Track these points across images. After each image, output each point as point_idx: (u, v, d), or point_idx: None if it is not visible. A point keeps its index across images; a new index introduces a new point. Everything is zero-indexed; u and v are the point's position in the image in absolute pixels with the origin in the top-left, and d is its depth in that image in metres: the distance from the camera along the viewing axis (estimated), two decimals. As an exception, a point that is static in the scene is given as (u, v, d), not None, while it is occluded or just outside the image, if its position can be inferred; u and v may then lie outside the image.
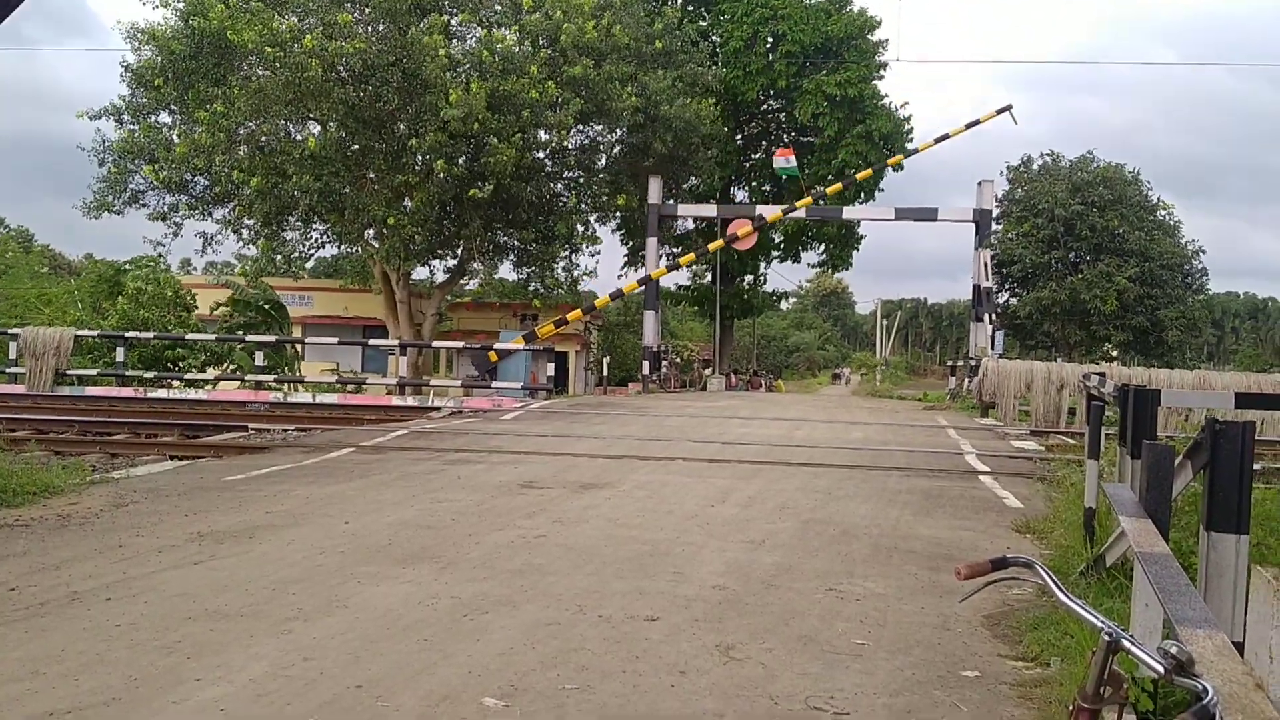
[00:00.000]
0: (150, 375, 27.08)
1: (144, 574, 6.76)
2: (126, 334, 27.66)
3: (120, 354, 26.56)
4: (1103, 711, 2.45)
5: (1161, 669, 2.15)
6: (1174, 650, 2.14)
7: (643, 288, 34.88)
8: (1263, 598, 2.43)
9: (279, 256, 34.70)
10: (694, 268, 46.78)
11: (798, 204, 36.04)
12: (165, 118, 34.02)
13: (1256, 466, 8.25)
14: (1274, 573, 2.46)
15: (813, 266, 48.63)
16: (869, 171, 38.72)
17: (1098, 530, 7.38)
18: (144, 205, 34.02)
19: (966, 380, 30.24)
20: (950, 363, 39.95)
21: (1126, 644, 2.29)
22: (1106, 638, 2.32)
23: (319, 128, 31.59)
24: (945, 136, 35.45)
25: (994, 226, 39.55)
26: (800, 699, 4.75)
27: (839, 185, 36.95)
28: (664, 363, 37.24)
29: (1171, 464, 4.72)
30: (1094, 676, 2.36)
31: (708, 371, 44.18)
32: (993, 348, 31.74)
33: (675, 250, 45.16)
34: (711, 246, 35.99)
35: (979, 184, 35.91)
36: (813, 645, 5.56)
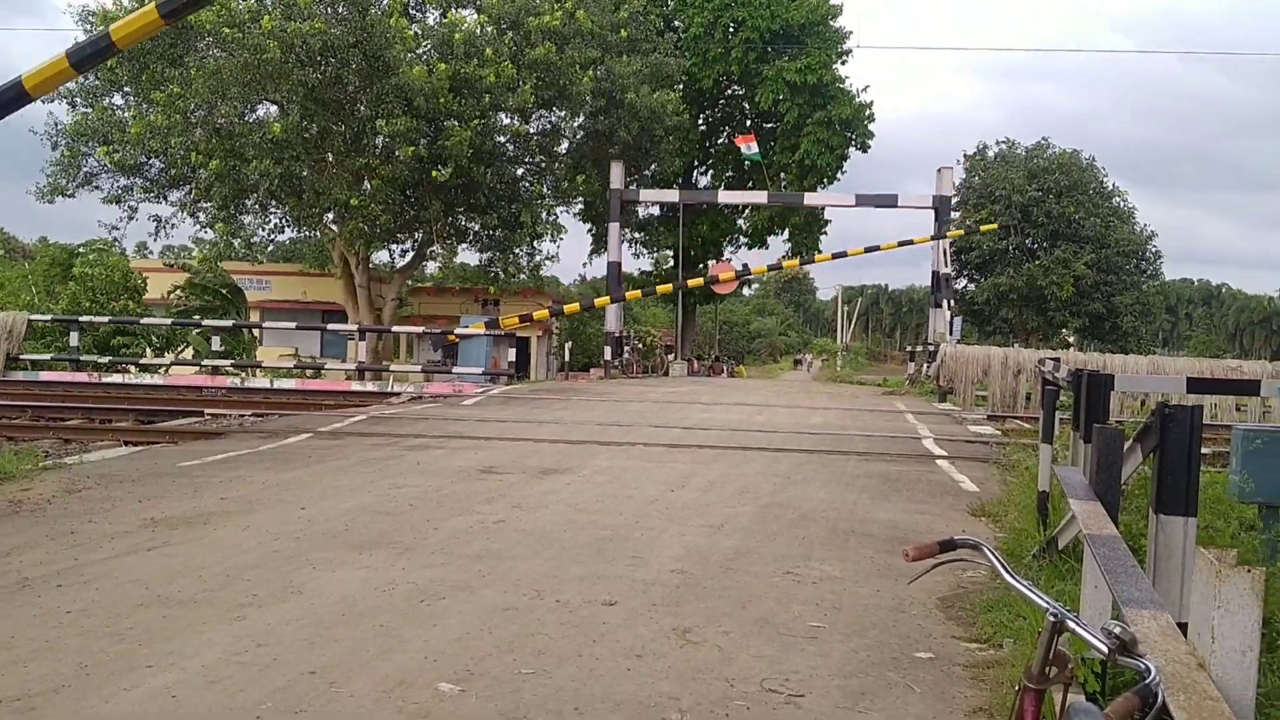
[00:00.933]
0: (105, 360, 26.73)
1: (96, 560, 6.68)
2: (81, 318, 27.27)
3: (74, 338, 26.18)
4: (1049, 691, 2.48)
5: (1105, 649, 2.18)
6: (1118, 630, 2.17)
7: (615, 303, 34.91)
8: (1205, 579, 2.47)
9: (237, 240, 34.30)
10: (657, 253, 46.85)
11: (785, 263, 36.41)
12: (119, 100, 33.48)
13: (1206, 450, 8.38)
14: (1216, 554, 2.49)
15: (784, 258, 48.64)
16: None
17: (1051, 513, 7.47)
18: (98, 188, 33.51)
19: (925, 366, 30.50)
20: (910, 348, 40.28)
21: (1071, 624, 2.32)
22: (1052, 618, 2.35)
23: (279, 111, 31.20)
24: (875, 248, 35.32)
25: (952, 214, 39.83)
26: (756, 681, 4.77)
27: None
28: (626, 348, 37.28)
29: (1121, 447, 4.79)
30: (1040, 656, 2.39)
31: (670, 357, 44.27)
32: (951, 333, 32.00)
33: (638, 235, 45.19)
34: (691, 283, 36.47)
35: (938, 171, 36.17)
36: (769, 628, 5.59)
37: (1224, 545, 3.98)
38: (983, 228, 45.69)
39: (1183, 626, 2.85)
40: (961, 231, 45.61)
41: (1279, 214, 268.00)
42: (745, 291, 74.00)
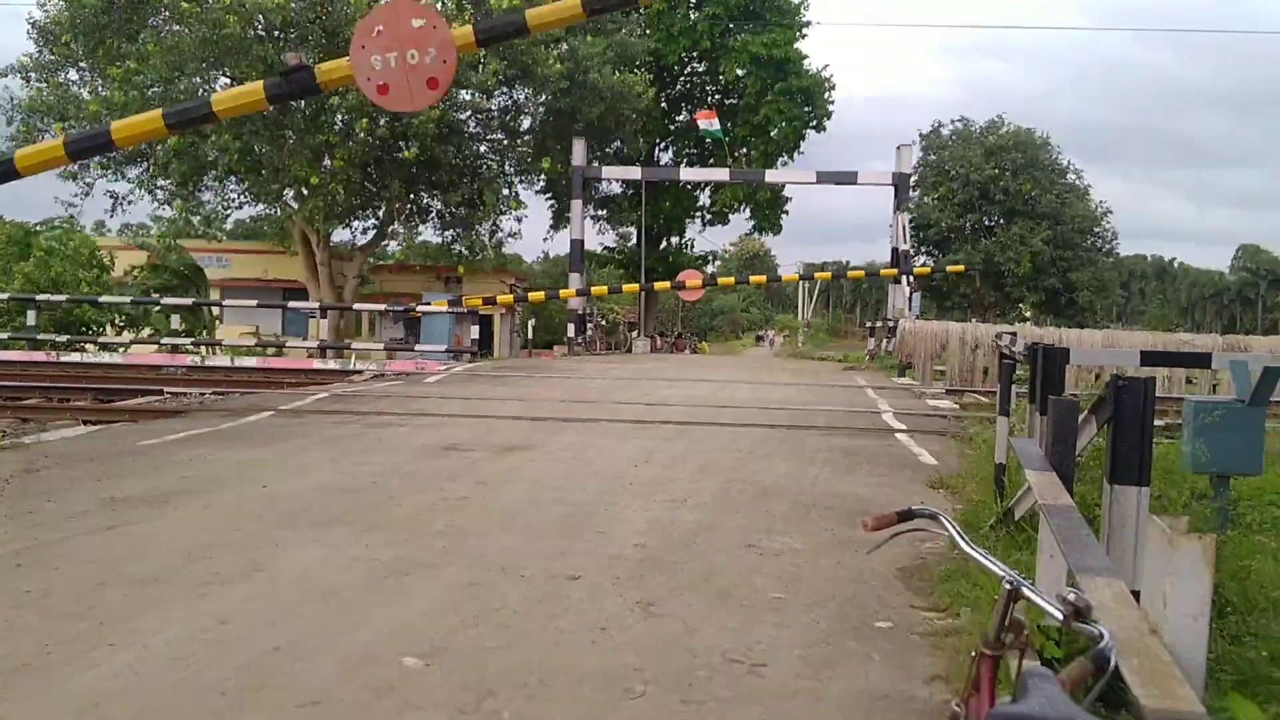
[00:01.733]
0: (63, 339, 26.36)
1: (56, 540, 6.62)
2: (38, 296, 26.85)
3: (31, 317, 25.79)
4: (1005, 657, 2.53)
5: (1060, 615, 2.23)
6: (1072, 597, 2.22)
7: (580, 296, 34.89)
8: (1157, 546, 2.53)
9: (196, 218, 33.87)
10: (620, 230, 46.81)
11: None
12: (75, 75, 32.88)
13: (1159, 422, 8.52)
14: (1168, 521, 2.55)
15: (745, 235, 49.18)
16: None
17: (1008, 485, 7.57)
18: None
19: (885, 341, 30.71)
20: (870, 324, 40.51)
21: (1027, 591, 2.37)
22: (1008, 586, 2.39)
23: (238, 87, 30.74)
24: (842, 274, 35.93)
25: (911, 192, 40.11)
26: (719, 652, 4.83)
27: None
28: (590, 325, 37.24)
29: (1076, 419, 4.86)
30: (996, 623, 2.44)
31: (633, 334, 44.32)
32: (910, 309, 32.22)
33: (600, 213, 45.09)
34: (658, 286, 36.74)
35: (898, 148, 36.33)
36: (731, 600, 5.65)
37: (1176, 514, 4.07)
38: (949, 269, 46.45)
39: (1136, 595, 2.91)
40: (928, 270, 46.50)
41: (1227, 190, 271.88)
42: (708, 269, 74.03)
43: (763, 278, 50.12)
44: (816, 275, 40.47)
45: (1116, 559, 4.19)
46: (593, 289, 36.51)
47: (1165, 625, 2.49)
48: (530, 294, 35.09)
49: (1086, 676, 2.10)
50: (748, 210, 44.96)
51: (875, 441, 12.39)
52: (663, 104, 43.82)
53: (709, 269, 72.37)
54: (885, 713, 4.22)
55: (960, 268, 47.50)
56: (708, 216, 46.40)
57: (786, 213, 45.43)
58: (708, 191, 45.23)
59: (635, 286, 38.91)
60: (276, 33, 28.56)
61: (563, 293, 34.57)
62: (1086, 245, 53.76)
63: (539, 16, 9.51)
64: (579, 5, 9.18)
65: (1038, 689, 2.03)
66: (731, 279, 46.27)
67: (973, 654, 2.50)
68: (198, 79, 30.00)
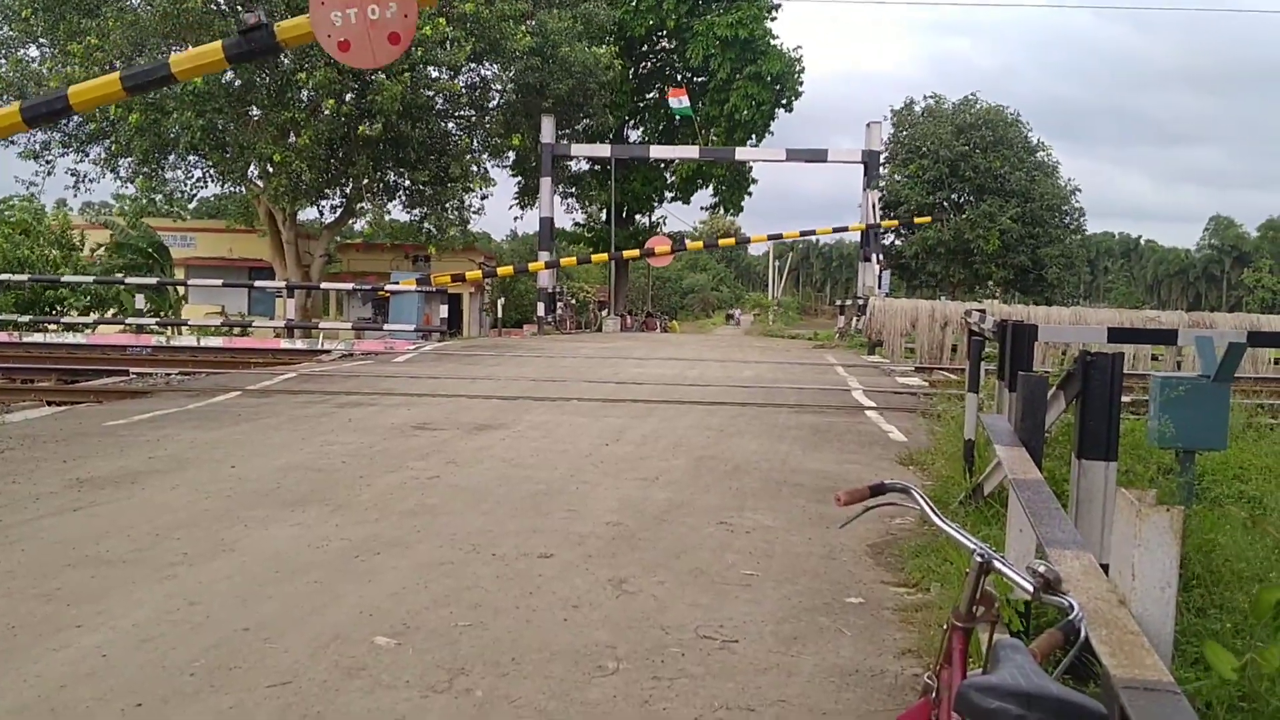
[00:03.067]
0: (26, 319, 26.03)
1: (21, 521, 6.54)
2: (0, 276, 26.49)
3: (-9, 297, 25.46)
4: (976, 630, 2.55)
5: (1030, 587, 2.24)
6: (1042, 570, 2.23)
7: (549, 269, 34.76)
8: (1125, 518, 2.55)
9: (159, 196, 33.46)
10: (589, 208, 46.67)
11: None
12: (35, 52, 32.35)
13: (1126, 398, 8.60)
14: (1136, 494, 2.57)
15: (705, 209, 49.33)
16: None
17: (977, 461, 7.63)
18: (13, 142, 32.40)
19: (855, 319, 30.83)
20: (839, 302, 40.68)
21: (997, 564, 2.38)
22: (978, 559, 2.40)
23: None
24: (810, 232, 36.52)
25: (881, 169, 40.22)
26: (691, 629, 4.84)
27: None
28: (559, 304, 37.14)
29: (1045, 395, 4.90)
30: (967, 596, 2.45)
31: (603, 313, 44.27)
32: (880, 287, 32.35)
33: (570, 191, 44.91)
34: (627, 254, 36.78)
35: (868, 125, 36.37)
36: (703, 577, 5.66)
37: (1143, 488, 4.10)
38: (917, 219, 46.64)
39: (1104, 568, 2.94)
40: (895, 223, 46.88)
41: (1190, 168, 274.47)
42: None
43: (731, 240, 50.16)
44: (785, 234, 40.40)
45: (1085, 533, 4.22)
46: (562, 260, 36.36)
47: (1134, 596, 2.51)
48: (500, 269, 34.95)
49: (1057, 647, 2.12)
50: (711, 186, 44.93)
51: (845, 419, 12.45)
52: (633, 79, 43.65)
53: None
54: (856, 687, 4.25)
55: (927, 219, 47.75)
56: (672, 194, 46.28)
57: (750, 194, 45.46)
58: (673, 168, 45.14)
59: (604, 256, 38.84)
60: (238, 6, 28.16)
61: (532, 266, 34.46)
62: (1055, 223, 54.09)
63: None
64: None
65: (1009, 660, 2.04)
66: (700, 243, 46.32)
67: (944, 627, 2.51)
68: (159, 55, 29.54)
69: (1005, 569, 2.36)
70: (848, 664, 4.49)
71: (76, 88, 9.43)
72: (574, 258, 39.50)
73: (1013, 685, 1.92)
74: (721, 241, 49.87)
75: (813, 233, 37.67)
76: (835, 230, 35.24)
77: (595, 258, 39.61)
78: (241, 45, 8.37)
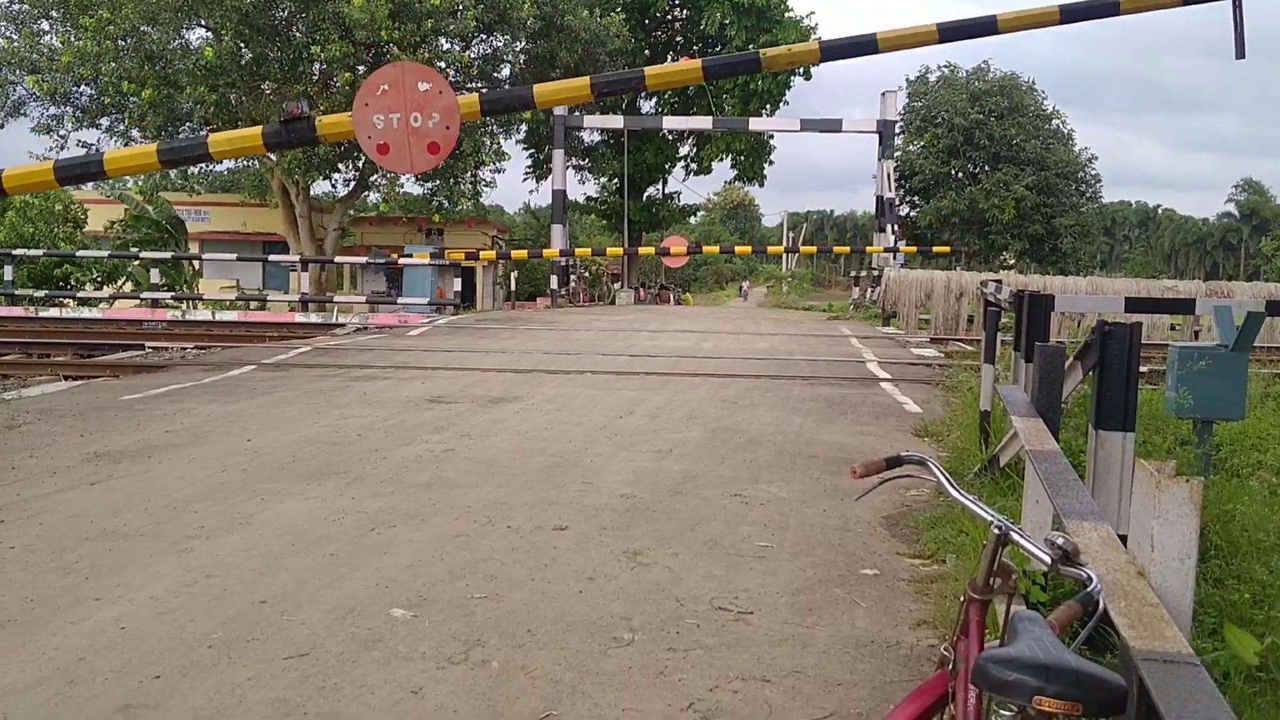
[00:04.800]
0: (41, 294, 26.11)
1: (38, 495, 6.58)
2: (14, 251, 26.56)
3: (8, 272, 25.52)
4: (992, 602, 2.53)
5: (1048, 559, 2.23)
6: (1060, 541, 2.21)
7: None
8: (1144, 489, 2.52)
9: (173, 171, 33.43)
10: (602, 179, 46.49)
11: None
12: (47, 26, 32.25)
13: (1143, 369, 8.55)
14: (1155, 465, 2.55)
15: (727, 183, 49.32)
16: None
17: (992, 432, 7.60)
18: (26, 116, 32.42)
19: (869, 290, 30.71)
20: (854, 274, 40.51)
21: (1015, 536, 2.36)
22: (996, 531, 2.38)
23: (213, 36, 30.25)
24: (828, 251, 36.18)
25: (896, 139, 39.94)
26: (706, 600, 4.84)
27: None
28: (572, 277, 37.09)
29: (1062, 365, 4.86)
30: (984, 569, 2.44)
31: (616, 286, 44.17)
32: (895, 259, 32.18)
33: (583, 163, 44.74)
34: (642, 250, 36.85)
35: (883, 94, 36.07)
36: (718, 549, 5.66)
37: (1161, 459, 4.08)
38: (935, 248, 46.00)
39: (1123, 539, 2.92)
40: (913, 249, 46.38)
41: (1205, 136, 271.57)
42: (691, 220, 73.87)
43: (748, 248, 50.57)
44: (802, 249, 40.90)
45: (1102, 504, 4.20)
46: (576, 250, 36.41)
47: (1152, 568, 2.49)
48: (514, 252, 34.90)
49: (1075, 619, 2.10)
50: (730, 160, 44.69)
51: (860, 390, 12.41)
52: (645, 50, 43.36)
53: (692, 219, 72.36)
54: (871, 658, 4.25)
55: (946, 249, 46.78)
56: (692, 167, 46.06)
57: (771, 162, 45.17)
58: (690, 141, 44.90)
59: (619, 250, 38.90)
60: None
61: (546, 253, 34.41)
62: (1070, 192, 53.67)
63: (546, 94, 9.57)
64: (587, 86, 9.16)
65: (1027, 631, 2.03)
66: (716, 247, 46.69)
67: (960, 599, 2.50)
68: (170, 30, 29.46)
69: (1023, 541, 2.34)
70: (863, 635, 4.49)
71: (112, 154, 9.54)
72: (589, 249, 39.50)
73: (1030, 657, 1.91)
74: (738, 250, 50.07)
75: (830, 250, 37.44)
76: (853, 251, 34.89)
77: (610, 251, 39.59)
78: (281, 135, 8.40)
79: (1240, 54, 9.34)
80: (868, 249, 31.92)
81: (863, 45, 9.88)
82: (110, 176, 10.34)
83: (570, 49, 32.98)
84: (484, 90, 34.75)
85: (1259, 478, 6.63)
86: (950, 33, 9.14)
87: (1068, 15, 9.21)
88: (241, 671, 3.97)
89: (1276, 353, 17.56)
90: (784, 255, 77.84)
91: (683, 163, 45.87)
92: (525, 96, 8.89)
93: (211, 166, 35.31)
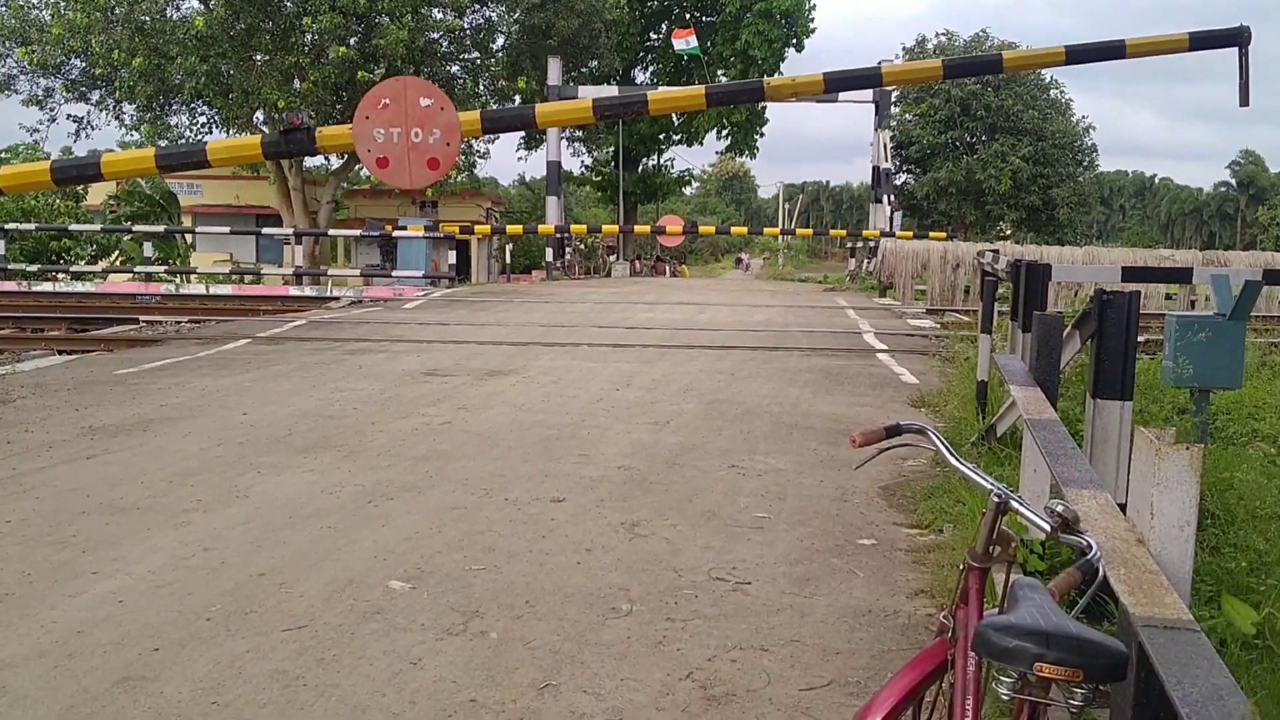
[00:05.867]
0: (34, 268, 26.01)
1: (34, 470, 6.57)
2: (6, 225, 26.44)
3: (0, 247, 25.41)
4: (991, 570, 2.53)
5: (1048, 527, 2.22)
6: (1059, 509, 2.21)
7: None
8: (1144, 457, 2.52)
9: (164, 143, 33.22)
10: (596, 153, 46.33)
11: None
12: (37, -1, 32.00)
13: (1140, 339, 8.54)
14: (1155, 432, 2.54)
15: (718, 154, 49.19)
16: None
17: (989, 402, 7.60)
18: (16, 90, 32.18)
19: (866, 261, 30.64)
20: (850, 245, 40.40)
21: (1014, 504, 2.36)
22: (995, 499, 2.38)
23: (203, 6, 30.01)
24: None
25: (892, 109, 39.77)
26: (704, 571, 4.85)
27: None
28: (568, 250, 36.97)
29: (1061, 334, 4.85)
30: (983, 537, 2.43)
31: (612, 258, 44.00)
32: (891, 229, 32.11)
33: (577, 134, 44.54)
34: (638, 229, 36.85)
35: (879, 64, 35.85)
36: (715, 520, 5.67)
37: (1158, 428, 4.07)
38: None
39: (1120, 508, 2.91)
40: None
41: (1199, 105, 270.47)
42: (686, 191, 73.66)
43: (744, 229, 50.62)
44: (798, 232, 40.91)
45: (1100, 473, 4.20)
46: (572, 228, 36.30)
47: (1152, 535, 2.49)
48: (509, 227, 34.74)
49: (1075, 585, 2.10)
50: (722, 130, 44.52)
51: (857, 361, 12.41)
52: (639, 19, 43.07)
53: (687, 190, 72.12)
54: (869, 627, 4.26)
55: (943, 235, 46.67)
56: (682, 137, 45.89)
57: (763, 134, 45.03)
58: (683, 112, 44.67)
59: (615, 228, 38.86)
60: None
61: (541, 229, 34.24)
62: (1067, 162, 53.48)
63: (548, 113, 9.56)
64: (590, 108, 9.12)
65: (1027, 599, 2.03)
66: (712, 228, 46.94)
67: (960, 567, 2.50)
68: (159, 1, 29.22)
69: (1022, 509, 2.34)
70: (861, 605, 4.50)
71: (109, 156, 9.47)
72: (585, 225, 39.38)
73: (1031, 624, 1.91)
74: (734, 230, 50.13)
75: (826, 234, 37.34)
76: (850, 232, 34.72)
77: (606, 229, 39.40)
78: (280, 145, 8.36)
79: (1244, 102, 9.31)
80: (864, 233, 31.79)
81: (868, 78, 9.89)
82: (107, 179, 10.27)
83: (566, 19, 32.75)
84: (477, 58, 34.59)
85: (1255, 446, 6.64)
86: (957, 69, 9.22)
87: (1074, 56, 9.16)
88: (240, 643, 3.97)
89: (1273, 322, 17.58)
90: (780, 225, 77.64)
91: (676, 135, 45.72)
92: (527, 116, 8.88)
93: (203, 137, 35.07)
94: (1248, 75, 8.67)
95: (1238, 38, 9.10)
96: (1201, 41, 8.22)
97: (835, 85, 9.75)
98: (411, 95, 7.92)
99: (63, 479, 6.36)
